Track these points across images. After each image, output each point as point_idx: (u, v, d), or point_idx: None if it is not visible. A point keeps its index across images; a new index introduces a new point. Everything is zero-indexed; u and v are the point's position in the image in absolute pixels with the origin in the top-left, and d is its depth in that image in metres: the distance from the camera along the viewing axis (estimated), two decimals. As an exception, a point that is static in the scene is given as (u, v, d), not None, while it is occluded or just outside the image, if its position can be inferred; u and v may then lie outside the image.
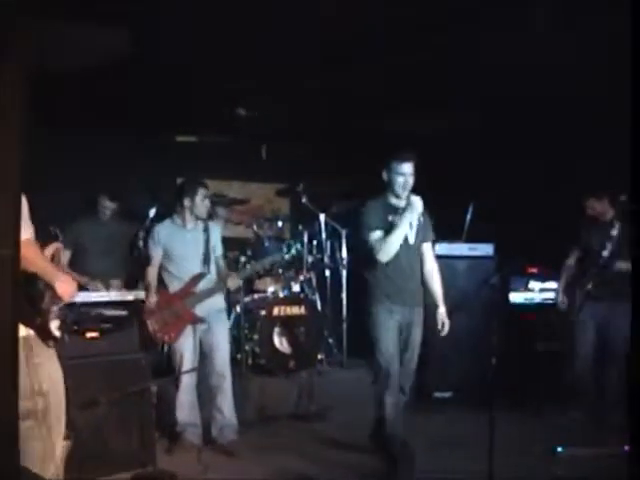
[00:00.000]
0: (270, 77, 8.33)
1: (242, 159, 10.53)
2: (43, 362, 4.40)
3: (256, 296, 9.07)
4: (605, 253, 7.77)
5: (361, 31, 6.99)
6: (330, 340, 9.34)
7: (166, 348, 7.40)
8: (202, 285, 7.17)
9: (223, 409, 7.12)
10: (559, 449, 6.53)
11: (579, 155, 8.68)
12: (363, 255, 6.67)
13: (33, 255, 4.25)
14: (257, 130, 9.96)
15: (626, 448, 6.38)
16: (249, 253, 8.95)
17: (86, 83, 7.99)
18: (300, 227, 9.53)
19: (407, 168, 6.53)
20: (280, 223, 9.93)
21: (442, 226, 7.68)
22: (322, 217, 9.38)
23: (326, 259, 9.45)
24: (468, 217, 8.43)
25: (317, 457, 6.80)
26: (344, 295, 9.30)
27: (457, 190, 8.67)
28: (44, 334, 4.40)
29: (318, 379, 8.54)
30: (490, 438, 5.41)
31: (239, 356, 8.42)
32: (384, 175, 6.64)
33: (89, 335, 6.13)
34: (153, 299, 7.08)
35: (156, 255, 7.22)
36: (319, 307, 9.29)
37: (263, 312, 8.62)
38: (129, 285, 8.11)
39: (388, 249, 6.43)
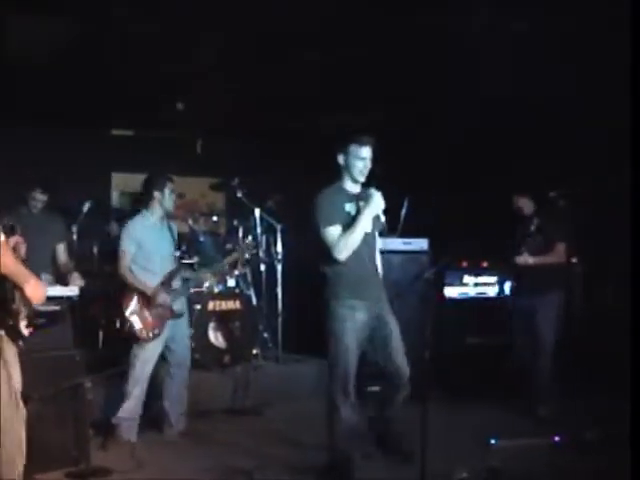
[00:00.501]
0: (206, 72, 8.31)
1: (177, 153, 10.49)
2: (11, 359, 4.56)
3: (191, 290, 9.03)
4: (523, 248, 7.94)
5: (297, 27, 6.99)
6: (265, 335, 9.35)
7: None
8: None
9: (182, 399, 7.33)
10: (492, 441, 6.59)
11: (510, 154, 8.82)
12: (320, 249, 6.29)
13: (4, 256, 4.26)
14: (192, 124, 9.93)
15: (556, 439, 6.52)
16: (184, 248, 8.91)
17: (21, 74, 7.91)
18: (235, 222, 9.52)
19: (366, 152, 6.18)
20: (215, 218, 9.91)
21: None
22: (257, 212, 9.36)
23: (261, 254, 9.45)
24: (403, 212, 8.47)
25: (253, 452, 6.80)
26: (279, 290, 9.31)
27: (392, 184, 8.71)
28: (14, 334, 4.49)
29: (253, 374, 8.53)
30: (423, 430, 5.45)
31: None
32: (340, 159, 6.25)
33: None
34: (134, 297, 7.20)
35: (130, 250, 7.24)
36: (254, 302, 9.29)
37: (198, 307, 8.61)
38: (61, 280, 8.03)
39: (347, 248, 6.12)
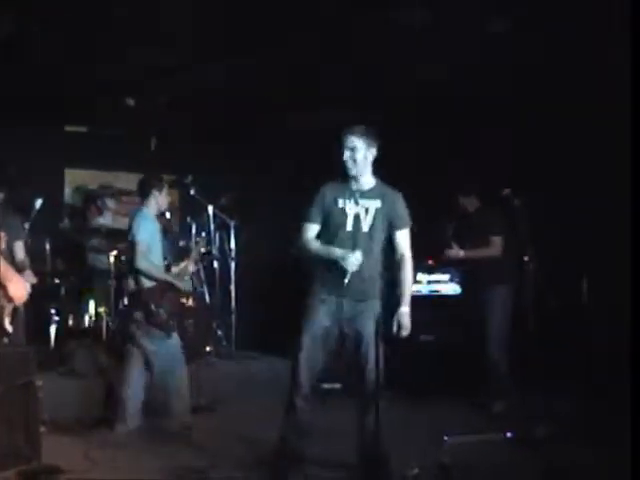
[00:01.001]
0: (160, 67, 8.29)
1: (130, 150, 10.45)
2: None
3: (145, 287, 9.01)
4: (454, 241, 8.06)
5: (256, 24, 6.99)
6: (219, 332, 9.33)
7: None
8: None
9: (181, 392, 7.42)
10: (445, 437, 6.62)
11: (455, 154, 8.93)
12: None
13: None
14: (146, 121, 9.89)
15: (508, 434, 6.57)
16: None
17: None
18: (188, 219, 9.51)
19: (351, 142, 5.92)
20: (168, 215, 9.87)
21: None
22: (210, 209, 9.34)
23: (214, 251, 9.43)
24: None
25: (207, 450, 6.78)
26: (233, 287, 9.30)
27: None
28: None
29: (207, 371, 8.51)
30: (376, 428, 5.48)
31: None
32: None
33: (-28, 328, 6.02)
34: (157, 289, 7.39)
35: (145, 240, 7.40)
36: (207, 299, 9.28)
37: (152, 304, 8.58)
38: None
39: (305, 250, 6.09)
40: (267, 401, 7.41)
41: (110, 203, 9.63)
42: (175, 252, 9.24)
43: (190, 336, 8.68)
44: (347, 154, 5.95)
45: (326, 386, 8.38)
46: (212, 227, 9.41)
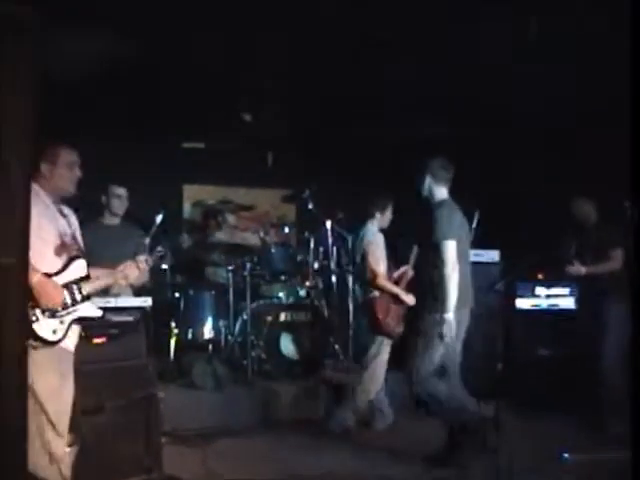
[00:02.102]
0: (277, 83, 8.35)
1: (248, 165, 10.54)
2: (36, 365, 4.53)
3: (262, 302, 9.07)
4: (575, 258, 7.89)
5: (366, 38, 6.99)
6: (336, 346, 9.33)
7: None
8: None
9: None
10: (565, 455, 6.51)
11: (581, 160, 8.73)
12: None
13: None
14: (263, 136, 9.97)
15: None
16: (255, 259, 8.96)
17: (92, 89, 8.02)
18: (306, 233, 9.53)
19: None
20: (286, 229, 9.94)
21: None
22: (328, 223, 9.35)
23: (332, 265, 9.44)
24: (474, 224, 8.40)
25: (323, 462, 6.80)
26: (350, 301, 9.29)
27: (462, 196, 8.66)
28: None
29: (323, 385, 8.52)
30: (496, 443, 5.41)
31: (245, 362, 8.43)
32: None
33: (96, 341, 6.13)
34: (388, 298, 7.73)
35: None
36: (325, 313, 9.29)
37: (269, 318, 8.64)
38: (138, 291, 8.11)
39: None
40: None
41: (229, 218, 9.73)
42: (293, 266, 9.30)
43: (308, 350, 8.71)
44: None
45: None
46: (330, 241, 9.41)
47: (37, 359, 4.57)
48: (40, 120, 2.82)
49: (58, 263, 5.01)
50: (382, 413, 7.96)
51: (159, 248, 6.01)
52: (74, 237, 5.26)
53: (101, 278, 5.36)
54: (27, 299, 4.09)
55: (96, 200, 8.22)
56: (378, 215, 8.04)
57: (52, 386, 4.83)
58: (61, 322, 4.95)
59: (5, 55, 2.67)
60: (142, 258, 5.52)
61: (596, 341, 8.01)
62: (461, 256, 6.70)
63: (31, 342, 4.53)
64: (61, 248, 5.04)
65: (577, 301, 8.89)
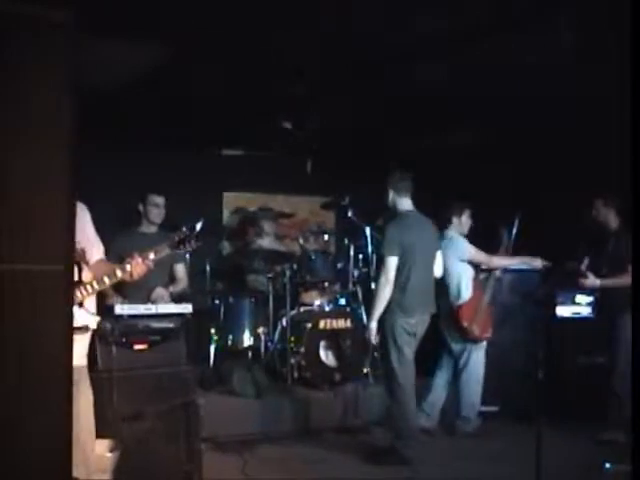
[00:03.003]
0: (316, 90, 8.34)
1: (287, 172, 10.55)
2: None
3: (302, 309, 9.07)
4: (604, 270, 7.78)
5: (407, 42, 6.97)
6: (376, 354, 9.30)
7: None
8: None
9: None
10: (607, 465, 6.46)
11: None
12: None
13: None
14: (303, 143, 9.98)
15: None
16: (295, 266, 8.97)
17: (133, 97, 8.07)
18: (346, 240, 9.52)
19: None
20: (326, 236, 9.94)
21: (488, 239, 7.73)
22: (368, 230, 9.34)
23: (372, 272, 9.42)
24: (514, 230, 8.37)
25: (362, 471, 6.79)
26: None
27: (502, 203, 8.62)
28: None
29: (363, 393, 8.51)
30: (537, 453, 5.38)
31: (284, 369, 8.44)
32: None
33: (137, 347, 6.18)
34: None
35: None
36: (365, 321, 9.28)
37: (309, 325, 8.63)
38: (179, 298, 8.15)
39: None
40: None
41: (268, 225, 9.75)
42: (333, 274, 9.30)
43: (347, 357, 8.70)
44: None
45: (484, 409, 8.30)
46: (370, 248, 9.39)
47: None
48: (79, 126, 2.82)
49: None
50: (465, 418, 8.11)
51: (183, 229, 5.91)
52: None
53: (103, 277, 5.14)
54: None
55: (134, 208, 8.28)
56: (455, 220, 8.30)
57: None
58: None
59: (41, 58, 2.68)
60: (150, 254, 5.40)
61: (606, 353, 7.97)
62: (419, 263, 7.13)
63: None
64: None
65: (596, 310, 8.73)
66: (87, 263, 4.84)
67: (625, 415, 7.48)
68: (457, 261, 8.07)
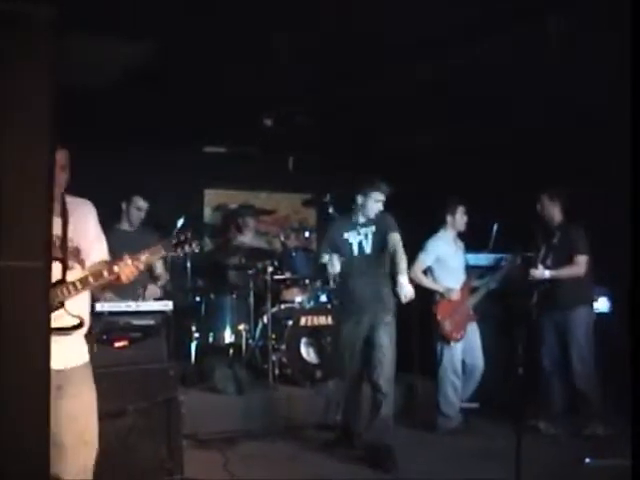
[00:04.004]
0: (297, 87, 8.35)
1: (269, 169, 10.55)
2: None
3: (283, 306, 9.08)
4: (548, 262, 7.83)
5: (395, 41, 6.97)
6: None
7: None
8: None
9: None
10: (587, 460, 6.49)
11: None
12: None
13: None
14: (284, 140, 9.98)
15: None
16: (276, 263, 8.97)
17: (111, 96, 8.05)
18: (327, 237, 9.52)
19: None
20: (307, 233, 9.95)
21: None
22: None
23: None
24: (495, 227, 8.37)
25: (343, 467, 6.80)
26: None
27: (481, 201, 8.62)
28: None
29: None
30: (517, 448, 5.40)
31: (265, 366, 8.45)
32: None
33: (117, 344, 6.17)
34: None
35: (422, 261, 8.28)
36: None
37: (290, 322, 8.65)
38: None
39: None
40: (402, 420, 7.46)
41: (250, 222, 9.76)
42: (314, 271, 9.31)
43: (328, 354, 8.71)
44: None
45: (464, 405, 8.31)
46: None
47: None
48: (60, 125, 2.82)
49: None
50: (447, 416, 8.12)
51: (180, 235, 5.81)
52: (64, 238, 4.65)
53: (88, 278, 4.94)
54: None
55: (114, 205, 8.29)
56: (449, 218, 8.31)
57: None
58: None
59: (24, 56, 2.67)
60: (141, 256, 5.18)
61: (557, 347, 8.05)
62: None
63: None
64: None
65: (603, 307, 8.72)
66: (81, 262, 4.72)
67: (596, 409, 7.57)
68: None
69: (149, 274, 8.24)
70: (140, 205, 8.27)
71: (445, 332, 8.04)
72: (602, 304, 8.49)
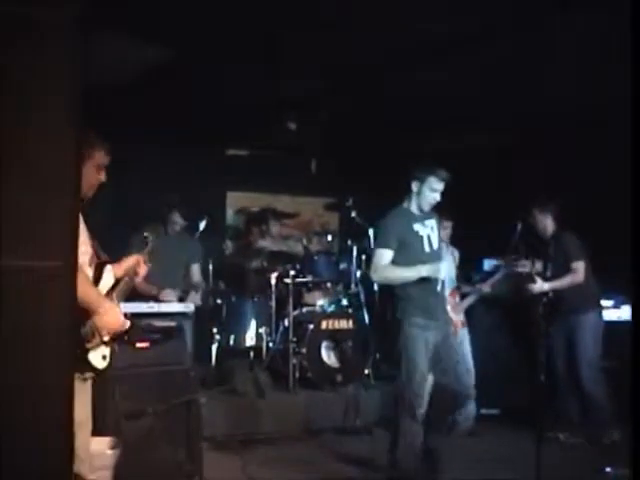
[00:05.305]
0: (320, 91, 8.35)
1: (292, 173, 10.56)
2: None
3: (304, 309, 9.07)
4: (547, 274, 7.79)
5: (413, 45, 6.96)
6: (377, 355, 9.30)
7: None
8: None
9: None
10: (607, 469, 6.45)
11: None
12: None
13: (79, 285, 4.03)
14: (307, 144, 9.98)
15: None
16: (298, 267, 8.96)
17: (135, 98, 8.07)
18: (349, 241, 9.51)
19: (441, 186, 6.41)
20: (329, 237, 9.94)
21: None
22: (371, 231, 9.32)
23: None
24: (516, 235, 8.32)
25: (362, 472, 6.78)
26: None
27: (503, 207, 8.59)
28: (82, 364, 4.22)
29: (365, 394, 8.51)
30: (537, 456, 5.37)
31: (286, 369, 8.43)
32: (414, 186, 6.49)
33: (138, 345, 6.17)
34: None
35: None
36: (367, 321, 9.27)
37: (311, 325, 8.63)
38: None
39: (383, 278, 6.64)
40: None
41: (272, 226, 9.76)
42: (335, 274, 9.31)
43: (349, 358, 8.70)
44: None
45: (484, 412, 8.28)
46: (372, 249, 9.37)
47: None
48: (83, 126, 2.82)
49: (90, 273, 4.46)
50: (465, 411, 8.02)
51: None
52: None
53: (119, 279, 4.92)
54: (75, 312, 3.75)
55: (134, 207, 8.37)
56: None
57: (80, 418, 4.04)
58: (106, 345, 4.39)
59: (45, 58, 2.68)
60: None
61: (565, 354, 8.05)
62: None
63: (84, 374, 4.25)
64: (92, 256, 4.49)
65: (622, 314, 8.65)
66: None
67: (608, 414, 7.53)
68: None
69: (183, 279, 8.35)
70: (177, 221, 8.40)
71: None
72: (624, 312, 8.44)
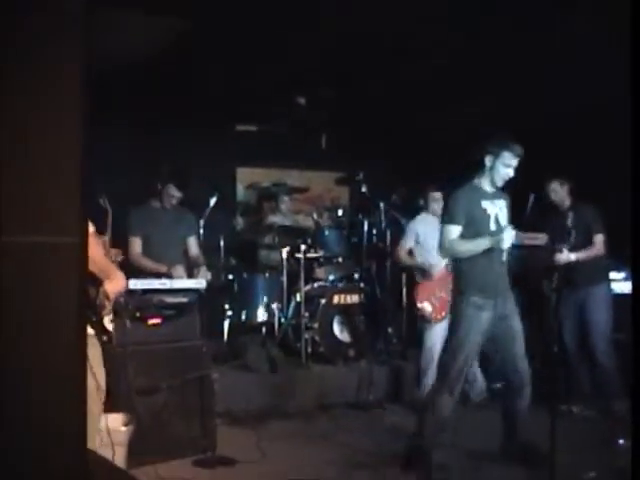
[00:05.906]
0: (330, 65, 8.32)
1: (302, 148, 10.52)
2: (95, 359, 4.54)
3: (316, 284, 9.06)
4: (565, 246, 7.72)
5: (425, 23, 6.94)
6: (389, 330, 9.30)
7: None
8: None
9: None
10: (620, 440, 6.44)
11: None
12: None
13: (92, 250, 4.22)
14: (317, 118, 9.95)
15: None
16: (309, 242, 8.95)
17: (144, 73, 8.05)
18: (360, 216, 9.50)
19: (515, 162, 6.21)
20: (340, 212, 9.91)
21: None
22: (382, 206, 9.31)
23: (386, 248, 9.39)
24: (528, 207, 8.28)
25: (375, 446, 6.78)
26: (404, 284, 9.24)
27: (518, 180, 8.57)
28: (99, 329, 4.53)
29: (378, 368, 8.51)
30: (551, 430, 5.36)
31: (298, 344, 8.44)
32: (487, 161, 6.24)
33: (151, 322, 6.19)
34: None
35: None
36: (379, 296, 9.27)
37: (323, 300, 8.63)
38: (190, 272, 8.17)
39: (451, 253, 6.46)
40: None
41: (282, 201, 9.73)
42: (347, 249, 9.29)
43: (361, 333, 8.70)
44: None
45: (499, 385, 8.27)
46: (384, 224, 9.38)
47: (95, 354, 4.59)
48: (92, 105, 2.81)
49: None
50: (475, 384, 8.10)
51: None
52: None
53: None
54: (87, 285, 4.01)
55: (146, 183, 8.33)
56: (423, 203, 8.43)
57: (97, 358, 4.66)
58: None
59: (56, 34, 2.66)
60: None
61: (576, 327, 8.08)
62: None
63: (103, 338, 4.57)
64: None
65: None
66: None
67: (620, 385, 7.54)
68: None
69: (183, 253, 8.31)
70: (172, 193, 8.24)
71: (426, 313, 8.04)
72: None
